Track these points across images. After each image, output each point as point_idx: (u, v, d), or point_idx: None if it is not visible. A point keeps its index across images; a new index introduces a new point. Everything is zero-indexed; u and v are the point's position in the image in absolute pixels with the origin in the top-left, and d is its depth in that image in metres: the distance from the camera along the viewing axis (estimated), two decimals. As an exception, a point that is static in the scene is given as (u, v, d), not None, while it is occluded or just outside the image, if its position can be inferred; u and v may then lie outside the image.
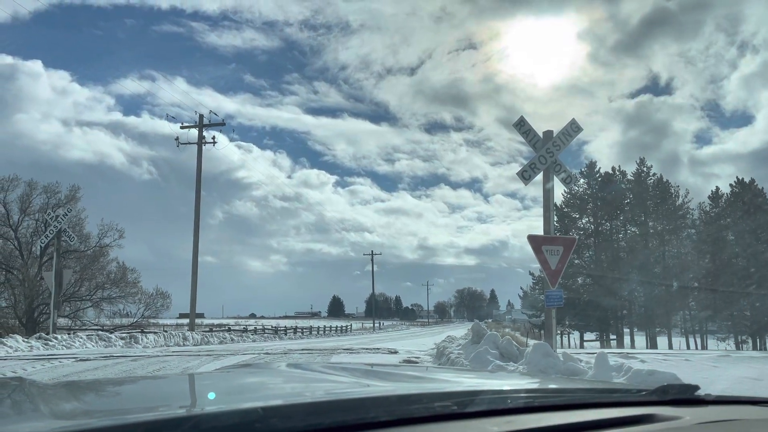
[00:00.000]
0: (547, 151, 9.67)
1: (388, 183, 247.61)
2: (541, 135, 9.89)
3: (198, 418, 1.11)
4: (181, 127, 33.10)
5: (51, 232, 21.98)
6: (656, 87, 74.54)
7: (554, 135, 9.85)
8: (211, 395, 1.64)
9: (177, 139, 32.68)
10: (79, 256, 33.62)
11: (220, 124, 33.85)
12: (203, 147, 32.60)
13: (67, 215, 23.40)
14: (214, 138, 33.23)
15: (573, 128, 9.94)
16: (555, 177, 9.84)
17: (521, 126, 9.90)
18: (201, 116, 33.23)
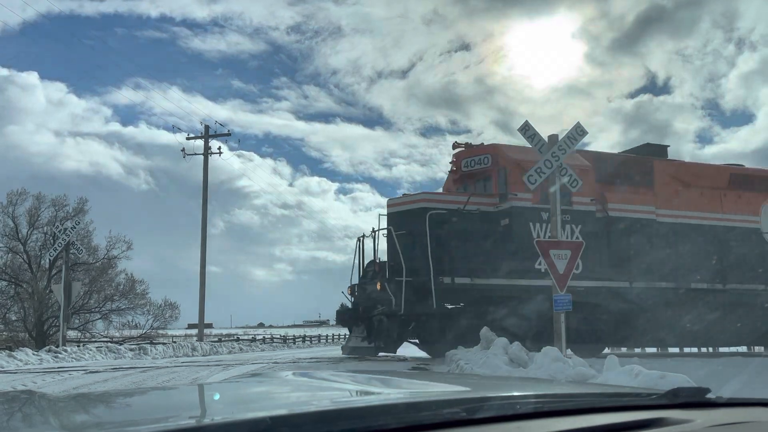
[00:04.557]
0: (552, 155, 9.65)
1: (387, 188, 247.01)
2: (545, 139, 9.88)
3: (207, 428, 1.11)
4: (187, 138, 33.24)
5: (59, 245, 22.08)
6: (655, 86, 74.59)
7: (559, 139, 9.83)
8: (220, 404, 1.64)
9: (183, 150, 32.81)
10: (88, 269, 33.72)
11: (226, 135, 34.00)
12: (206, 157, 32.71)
13: (75, 228, 23.50)
14: (219, 149, 33.37)
15: (578, 132, 9.92)
16: (560, 180, 9.81)
17: (526, 130, 9.90)
18: (207, 127, 33.38)
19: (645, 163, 15.12)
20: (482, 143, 15.11)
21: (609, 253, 13.88)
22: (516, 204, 13.50)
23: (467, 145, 14.85)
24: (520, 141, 12.41)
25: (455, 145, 14.91)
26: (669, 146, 16.60)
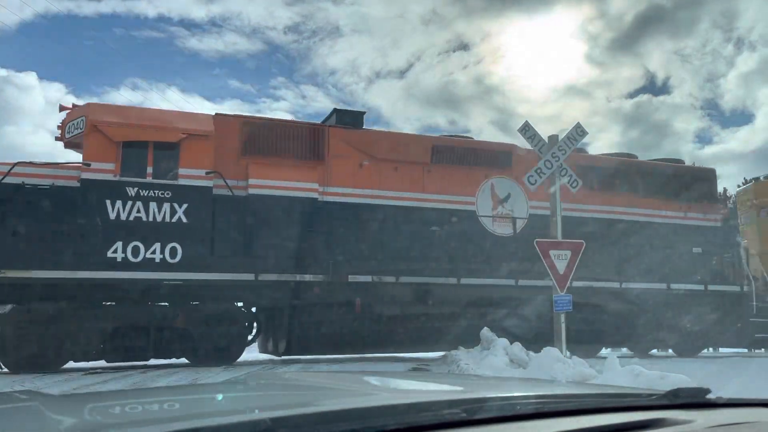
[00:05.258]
0: (552, 156, 9.66)
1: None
2: (546, 139, 9.89)
3: (207, 429, 1.11)
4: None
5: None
6: (654, 86, 74.14)
7: (559, 139, 9.85)
8: (220, 405, 1.64)
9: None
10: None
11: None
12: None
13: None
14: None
15: (578, 132, 9.94)
16: (560, 180, 9.81)
17: (526, 131, 9.91)
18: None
19: (315, 132, 12.13)
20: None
21: (236, 237, 11.10)
22: (87, 177, 10.39)
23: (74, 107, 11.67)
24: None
25: (62, 108, 11.88)
26: (365, 113, 13.23)
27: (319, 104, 79.96)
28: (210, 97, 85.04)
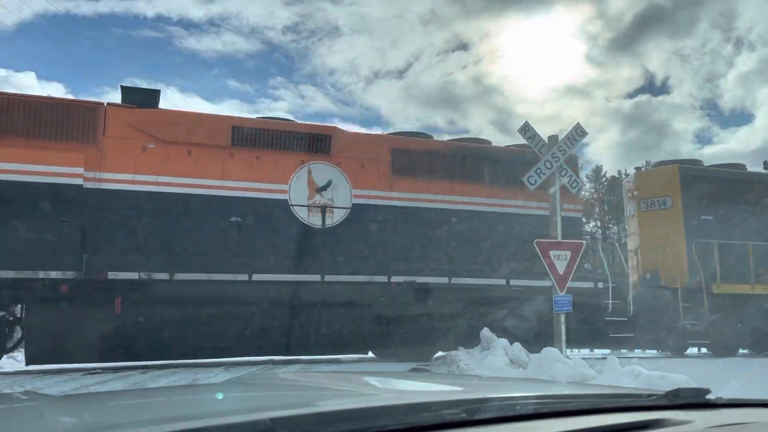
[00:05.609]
0: (552, 156, 9.66)
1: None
2: (545, 140, 9.89)
3: (207, 430, 1.11)
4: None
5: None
6: (653, 86, 73.86)
7: (559, 139, 9.85)
8: (220, 405, 1.64)
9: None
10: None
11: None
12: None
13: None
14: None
15: (578, 132, 9.94)
16: (560, 180, 9.81)
17: (526, 131, 9.90)
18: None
19: (86, 111, 10.55)
20: None
21: None
22: None
23: None
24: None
25: None
26: (159, 91, 11.47)
27: (319, 104, 80.00)
28: (209, 97, 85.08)
